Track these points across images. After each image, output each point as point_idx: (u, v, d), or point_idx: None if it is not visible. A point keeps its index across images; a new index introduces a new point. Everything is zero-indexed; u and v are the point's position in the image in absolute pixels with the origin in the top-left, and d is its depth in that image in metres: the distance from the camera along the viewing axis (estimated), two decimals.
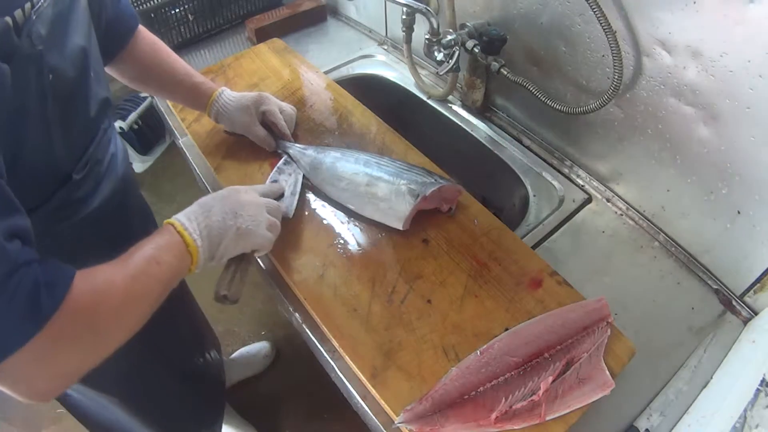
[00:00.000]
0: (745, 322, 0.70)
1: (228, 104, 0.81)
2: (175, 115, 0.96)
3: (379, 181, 0.72)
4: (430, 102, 1.06)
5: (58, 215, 0.59)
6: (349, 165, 0.76)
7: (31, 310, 0.39)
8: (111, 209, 0.67)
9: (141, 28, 0.76)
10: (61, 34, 0.52)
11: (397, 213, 0.70)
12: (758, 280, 0.67)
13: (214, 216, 0.58)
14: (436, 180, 0.71)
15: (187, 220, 0.57)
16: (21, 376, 0.40)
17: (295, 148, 0.82)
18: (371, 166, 0.75)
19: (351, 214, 0.75)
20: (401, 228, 0.70)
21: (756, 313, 0.69)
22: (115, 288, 0.47)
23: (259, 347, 1.50)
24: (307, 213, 0.76)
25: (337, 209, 0.76)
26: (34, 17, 0.46)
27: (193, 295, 1.13)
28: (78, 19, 0.56)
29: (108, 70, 0.75)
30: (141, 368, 0.87)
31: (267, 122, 0.83)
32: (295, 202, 0.75)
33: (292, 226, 0.73)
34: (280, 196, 0.74)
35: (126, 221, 0.74)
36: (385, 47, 1.21)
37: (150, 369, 0.90)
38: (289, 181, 0.78)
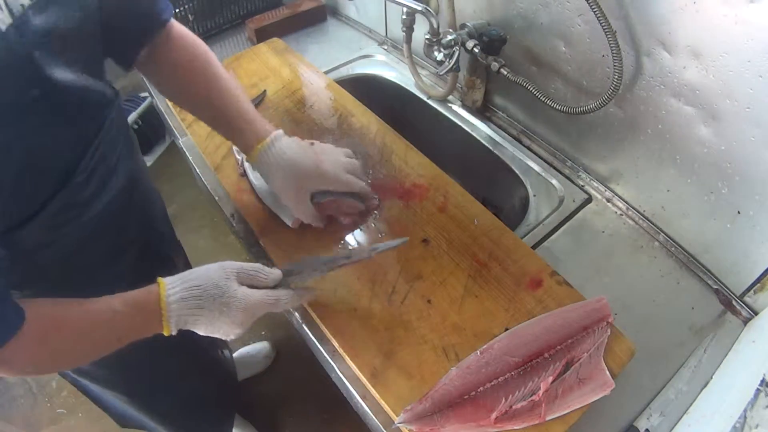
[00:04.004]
0: (745, 322, 0.70)
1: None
2: (175, 115, 0.96)
3: None
4: (430, 102, 1.06)
5: (58, 220, 0.52)
6: None
7: None
8: (117, 208, 0.61)
9: (177, 27, 0.64)
10: (56, 37, 0.46)
11: (290, 211, 0.72)
12: (758, 280, 0.67)
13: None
14: (334, 193, 0.70)
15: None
16: None
17: None
18: None
19: None
20: (290, 225, 0.72)
21: (756, 313, 0.69)
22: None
23: (259, 347, 1.50)
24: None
25: None
26: (30, 13, 0.41)
27: None
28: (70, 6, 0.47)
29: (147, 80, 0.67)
30: (149, 367, 0.83)
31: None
32: None
33: (293, 227, 0.73)
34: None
35: (133, 218, 0.67)
36: (385, 47, 1.21)
37: (160, 368, 0.87)
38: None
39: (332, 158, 0.71)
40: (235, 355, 1.47)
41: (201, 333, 0.55)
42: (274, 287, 0.58)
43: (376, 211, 0.75)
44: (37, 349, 0.46)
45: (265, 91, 0.97)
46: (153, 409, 0.94)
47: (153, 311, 0.51)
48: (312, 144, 0.72)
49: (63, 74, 0.47)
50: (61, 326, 0.47)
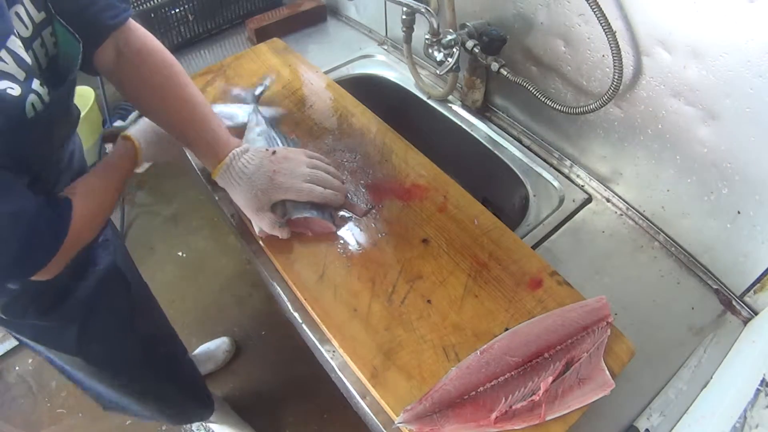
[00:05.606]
0: (745, 322, 0.70)
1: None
2: None
3: None
4: (430, 102, 1.06)
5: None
6: None
7: (54, 237, 0.54)
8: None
9: (142, 37, 0.66)
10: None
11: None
12: (758, 280, 0.67)
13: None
14: (311, 209, 0.71)
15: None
16: (46, 273, 0.56)
17: None
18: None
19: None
20: (257, 234, 0.72)
21: (756, 313, 0.69)
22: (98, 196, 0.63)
23: (218, 343, 1.53)
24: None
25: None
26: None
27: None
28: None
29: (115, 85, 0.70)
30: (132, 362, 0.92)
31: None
32: None
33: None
34: None
35: None
36: (385, 47, 1.21)
37: (142, 361, 0.95)
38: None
39: (290, 167, 0.71)
40: (196, 351, 1.51)
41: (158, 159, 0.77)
42: None
43: (374, 210, 0.75)
44: (87, 214, 0.60)
45: (271, 78, 0.98)
46: (137, 393, 0.99)
47: (132, 157, 0.71)
48: (274, 153, 0.72)
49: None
50: (91, 193, 0.62)
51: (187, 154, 0.93)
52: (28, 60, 0.49)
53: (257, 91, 0.93)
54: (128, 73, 0.66)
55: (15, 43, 0.47)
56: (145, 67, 0.67)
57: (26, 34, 0.50)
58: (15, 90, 0.46)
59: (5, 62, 0.46)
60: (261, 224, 0.70)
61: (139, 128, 0.74)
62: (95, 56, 0.64)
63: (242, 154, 0.70)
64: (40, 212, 0.52)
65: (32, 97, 0.49)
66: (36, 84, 0.49)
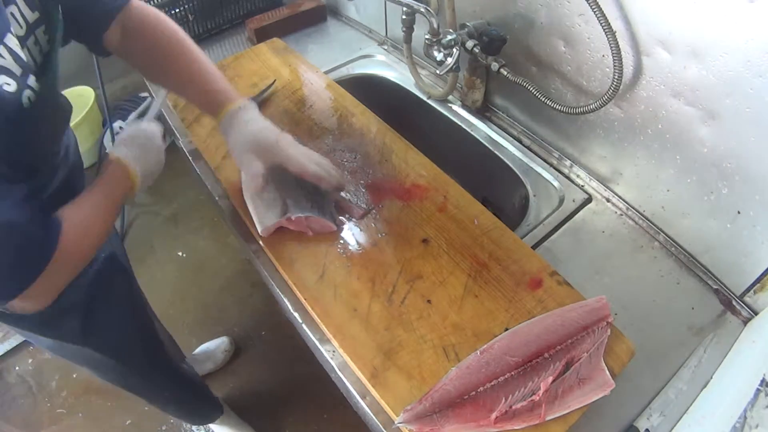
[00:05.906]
0: (745, 322, 0.70)
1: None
2: (175, 114, 0.96)
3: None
4: (430, 102, 1.06)
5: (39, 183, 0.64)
6: None
7: (40, 255, 0.53)
8: (63, 194, 0.67)
9: (143, 8, 0.70)
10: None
11: (263, 219, 0.72)
12: (758, 280, 0.67)
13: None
14: (312, 208, 0.71)
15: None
16: (34, 298, 0.55)
17: None
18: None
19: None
20: (260, 233, 0.72)
21: (756, 313, 0.69)
22: (92, 225, 0.62)
23: (218, 342, 1.53)
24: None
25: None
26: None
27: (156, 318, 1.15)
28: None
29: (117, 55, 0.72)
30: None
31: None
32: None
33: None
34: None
35: (79, 186, 0.77)
36: (385, 47, 1.21)
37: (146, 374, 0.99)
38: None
39: (294, 143, 0.71)
40: (195, 351, 1.52)
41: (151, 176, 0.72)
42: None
43: (374, 210, 0.75)
44: (76, 237, 0.58)
45: (274, 81, 0.98)
46: (146, 394, 1.07)
47: (129, 185, 0.67)
48: (282, 130, 0.72)
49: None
50: (81, 213, 0.60)
51: (188, 155, 0.93)
52: (24, 57, 0.51)
53: (256, 99, 0.93)
54: (133, 45, 0.69)
55: (12, 41, 0.49)
56: (149, 39, 0.70)
57: (20, 33, 0.52)
58: (11, 86, 0.48)
59: (4, 58, 0.48)
60: (247, 170, 0.69)
61: (125, 144, 0.70)
62: (104, 39, 0.67)
63: (254, 107, 0.71)
64: (29, 227, 0.52)
65: (27, 92, 0.51)
66: (32, 80, 0.51)
